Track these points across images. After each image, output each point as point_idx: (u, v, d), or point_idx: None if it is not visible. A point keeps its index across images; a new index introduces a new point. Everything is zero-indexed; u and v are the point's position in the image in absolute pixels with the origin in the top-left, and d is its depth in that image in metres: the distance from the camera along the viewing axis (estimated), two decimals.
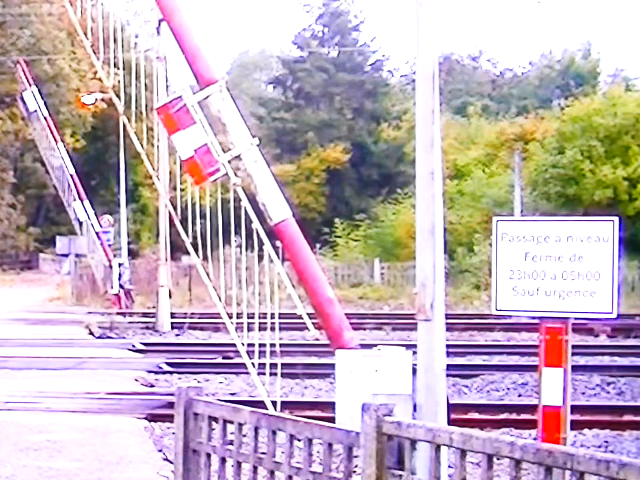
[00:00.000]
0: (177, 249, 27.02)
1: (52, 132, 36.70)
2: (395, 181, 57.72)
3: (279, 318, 11.23)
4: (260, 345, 11.09)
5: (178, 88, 10.93)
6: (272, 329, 10.97)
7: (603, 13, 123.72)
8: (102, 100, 39.69)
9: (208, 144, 10.52)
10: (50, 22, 52.97)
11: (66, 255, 37.60)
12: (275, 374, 11.02)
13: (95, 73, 53.18)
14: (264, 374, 11.14)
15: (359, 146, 61.53)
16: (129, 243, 39.24)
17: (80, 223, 34.88)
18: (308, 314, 11.12)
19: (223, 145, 10.76)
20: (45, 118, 36.81)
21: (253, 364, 11.18)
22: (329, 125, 62.51)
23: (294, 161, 61.45)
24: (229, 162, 10.72)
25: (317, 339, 10.78)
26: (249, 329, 11.43)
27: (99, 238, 33.40)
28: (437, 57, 7.34)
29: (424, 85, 7.24)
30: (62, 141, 37.90)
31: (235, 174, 10.74)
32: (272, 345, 11.00)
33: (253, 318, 11.24)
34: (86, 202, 34.81)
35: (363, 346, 9.77)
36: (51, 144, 36.70)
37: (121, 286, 31.75)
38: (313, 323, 11.31)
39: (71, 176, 35.35)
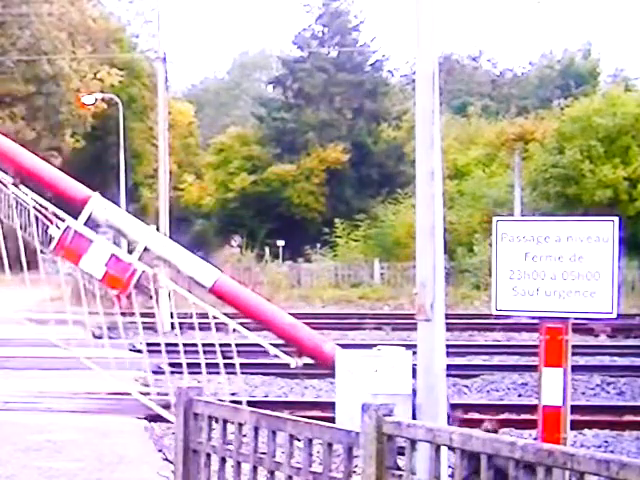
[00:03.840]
0: None
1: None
2: (395, 181, 57.71)
3: None
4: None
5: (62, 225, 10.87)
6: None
7: (603, 13, 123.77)
8: (102, 100, 39.67)
9: (115, 253, 10.59)
10: (50, 22, 52.97)
11: None
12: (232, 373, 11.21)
13: (95, 73, 53.32)
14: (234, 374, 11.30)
15: (359, 146, 61.53)
16: None
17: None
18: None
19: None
20: None
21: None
22: (329, 125, 62.52)
23: (294, 161, 61.46)
24: (140, 259, 10.76)
25: (301, 365, 10.61)
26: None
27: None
28: (437, 57, 7.35)
29: (424, 85, 7.24)
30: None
31: (150, 266, 10.81)
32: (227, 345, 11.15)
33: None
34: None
35: (363, 346, 9.76)
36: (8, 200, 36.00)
37: None
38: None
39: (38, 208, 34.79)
